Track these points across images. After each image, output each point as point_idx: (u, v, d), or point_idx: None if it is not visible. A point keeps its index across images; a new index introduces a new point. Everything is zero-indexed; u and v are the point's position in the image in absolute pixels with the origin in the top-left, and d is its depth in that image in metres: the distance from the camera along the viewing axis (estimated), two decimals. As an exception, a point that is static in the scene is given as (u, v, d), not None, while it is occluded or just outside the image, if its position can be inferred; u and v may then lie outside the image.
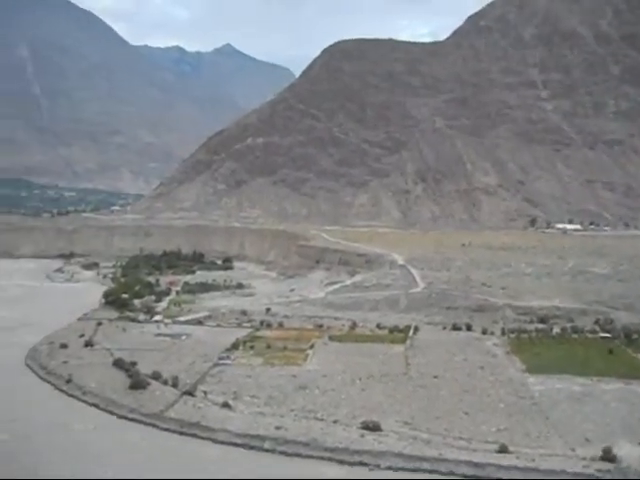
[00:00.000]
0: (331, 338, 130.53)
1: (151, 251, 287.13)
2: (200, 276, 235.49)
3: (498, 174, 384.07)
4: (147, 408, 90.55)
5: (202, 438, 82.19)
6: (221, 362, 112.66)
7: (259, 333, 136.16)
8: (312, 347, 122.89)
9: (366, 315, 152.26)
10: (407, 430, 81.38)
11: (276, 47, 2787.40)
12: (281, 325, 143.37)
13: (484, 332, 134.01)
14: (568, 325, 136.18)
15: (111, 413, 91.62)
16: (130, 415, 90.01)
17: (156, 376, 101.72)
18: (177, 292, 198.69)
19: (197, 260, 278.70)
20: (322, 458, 75.88)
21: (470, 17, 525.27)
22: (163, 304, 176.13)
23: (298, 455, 76.89)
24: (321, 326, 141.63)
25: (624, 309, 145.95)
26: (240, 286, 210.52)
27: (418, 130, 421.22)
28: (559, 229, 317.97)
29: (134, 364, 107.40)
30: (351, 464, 74.65)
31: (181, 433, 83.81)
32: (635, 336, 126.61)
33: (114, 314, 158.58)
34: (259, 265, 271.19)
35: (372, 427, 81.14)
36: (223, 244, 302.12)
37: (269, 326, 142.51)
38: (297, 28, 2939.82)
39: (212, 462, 76.01)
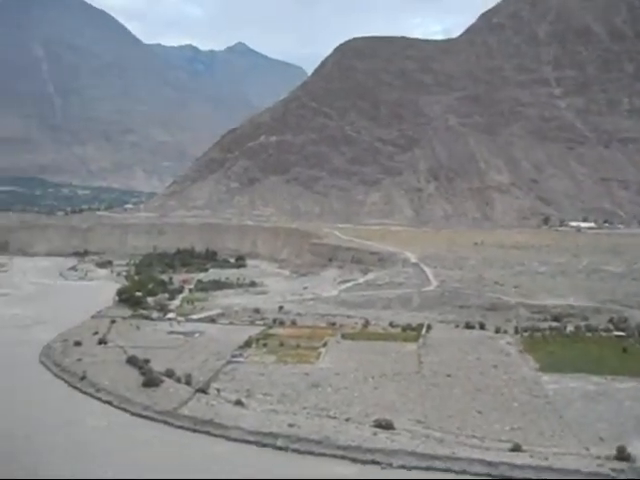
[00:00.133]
0: (344, 336, 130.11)
1: (164, 249, 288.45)
2: (213, 274, 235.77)
3: (511, 172, 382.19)
4: (160, 405, 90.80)
5: (215, 435, 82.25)
6: (234, 360, 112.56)
7: (272, 331, 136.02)
8: (325, 345, 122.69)
9: (379, 313, 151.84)
10: (420, 428, 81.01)
11: (289, 45, 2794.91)
12: (294, 323, 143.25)
13: (497, 331, 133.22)
14: (582, 324, 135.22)
15: (124, 410, 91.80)
16: (143, 412, 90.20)
17: (169, 374, 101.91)
18: (190, 290, 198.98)
19: (210, 258, 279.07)
20: (334, 456, 75.60)
21: (483, 14, 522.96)
22: (176, 302, 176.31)
23: (310, 453, 76.71)
24: (334, 324, 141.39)
25: (638, 307, 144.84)
26: (253, 284, 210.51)
27: (431, 128, 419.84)
28: (573, 227, 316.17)
29: (147, 362, 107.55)
30: (363, 462, 74.27)
31: (194, 430, 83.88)
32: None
33: (128, 312, 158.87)
34: (272, 263, 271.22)
35: (385, 425, 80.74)
36: (236, 242, 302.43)
37: (282, 324, 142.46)
38: (310, 26, 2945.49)
39: (225, 459, 76.12)
